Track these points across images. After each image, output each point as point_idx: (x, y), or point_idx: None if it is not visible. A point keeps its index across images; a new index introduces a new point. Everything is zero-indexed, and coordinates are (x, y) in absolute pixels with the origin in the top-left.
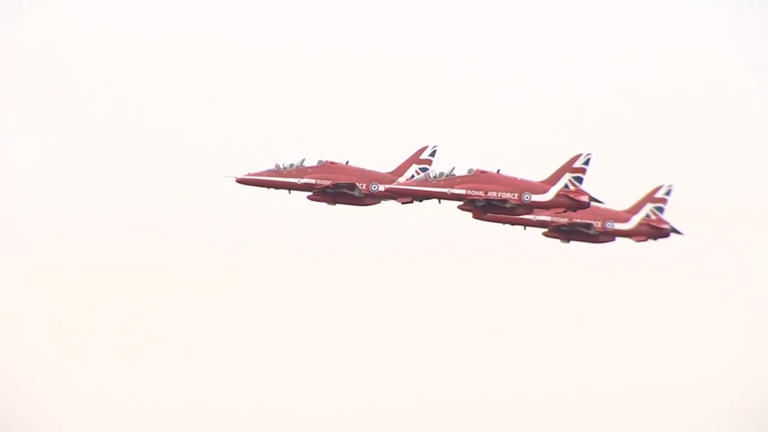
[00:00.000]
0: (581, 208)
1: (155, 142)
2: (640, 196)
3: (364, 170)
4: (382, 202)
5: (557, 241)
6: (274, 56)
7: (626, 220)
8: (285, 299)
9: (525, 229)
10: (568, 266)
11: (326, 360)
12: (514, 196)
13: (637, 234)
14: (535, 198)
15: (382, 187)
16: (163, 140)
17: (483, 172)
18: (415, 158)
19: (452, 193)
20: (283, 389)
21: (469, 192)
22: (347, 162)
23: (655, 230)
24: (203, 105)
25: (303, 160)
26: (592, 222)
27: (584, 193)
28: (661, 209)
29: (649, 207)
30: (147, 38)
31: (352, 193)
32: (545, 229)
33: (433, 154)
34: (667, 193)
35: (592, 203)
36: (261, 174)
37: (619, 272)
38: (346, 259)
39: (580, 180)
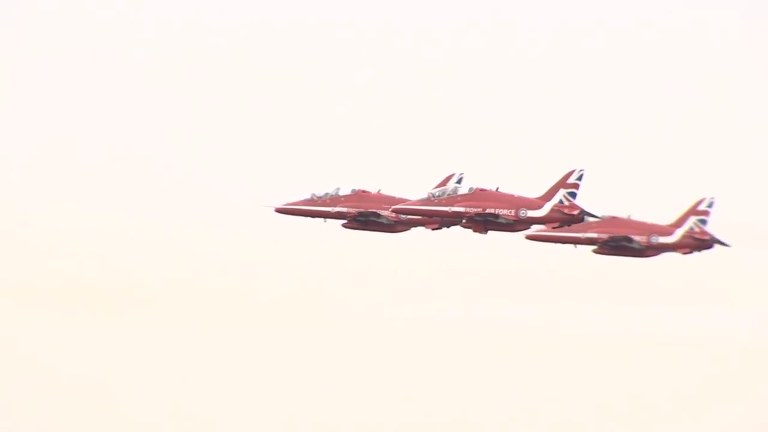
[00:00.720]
0: (574, 222)
1: (189, 175)
2: (683, 209)
3: (393, 198)
4: (412, 229)
5: (605, 257)
6: (307, 89)
7: (670, 234)
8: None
9: (575, 247)
10: (623, 282)
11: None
12: (510, 212)
13: (681, 247)
14: (531, 213)
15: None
16: (198, 173)
17: (482, 190)
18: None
19: (453, 211)
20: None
21: (467, 209)
22: (378, 190)
23: (698, 242)
24: (237, 137)
25: (338, 189)
26: (634, 236)
27: (577, 208)
28: (704, 221)
29: (692, 220)
30: (178, 68)
31: (379, 221)
32: (594, 246)
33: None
34: (710, 205)
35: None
36: (297, 203)
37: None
38: (372, 282)
39: (574, 195)
